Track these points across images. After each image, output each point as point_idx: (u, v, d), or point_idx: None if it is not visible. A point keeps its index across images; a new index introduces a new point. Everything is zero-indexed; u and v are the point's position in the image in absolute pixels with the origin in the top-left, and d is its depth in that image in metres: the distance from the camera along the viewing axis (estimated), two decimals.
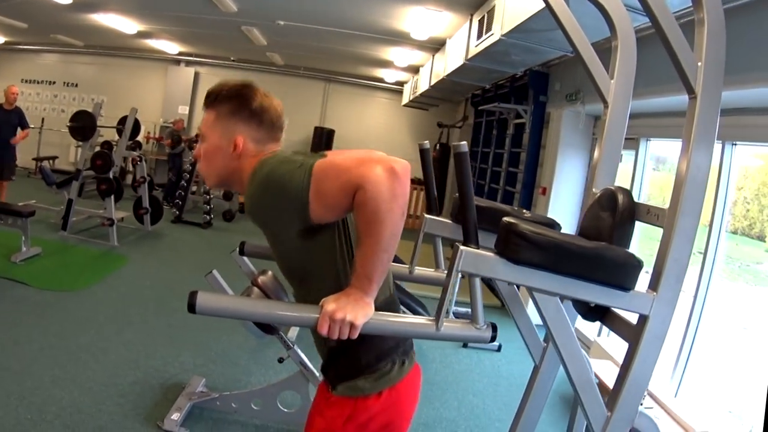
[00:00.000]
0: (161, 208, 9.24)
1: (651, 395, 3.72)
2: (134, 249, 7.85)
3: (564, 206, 6.83)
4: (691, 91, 1.73)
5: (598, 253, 1.66)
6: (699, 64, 1.72)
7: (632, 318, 1.91)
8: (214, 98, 1.87)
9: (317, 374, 3.67)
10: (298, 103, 14.08)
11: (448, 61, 7.88)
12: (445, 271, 2.61)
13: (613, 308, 1.92)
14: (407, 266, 2.56)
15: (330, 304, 1.55)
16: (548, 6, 2.11)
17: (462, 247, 1.59)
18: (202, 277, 6.47)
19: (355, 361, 1.78)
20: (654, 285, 1.79)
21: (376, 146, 11.94)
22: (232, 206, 11.13)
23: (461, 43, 6.91)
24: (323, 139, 13.61)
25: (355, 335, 1.57)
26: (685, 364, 4.43)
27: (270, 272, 3.85)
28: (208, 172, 1.91)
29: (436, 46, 8.72)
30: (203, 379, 4.13)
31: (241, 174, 1.82)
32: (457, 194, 2.40)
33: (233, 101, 1.84)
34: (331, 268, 1.74)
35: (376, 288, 1.60)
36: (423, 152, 2.69)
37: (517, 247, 1.59)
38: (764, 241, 4.91)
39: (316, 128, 13.70)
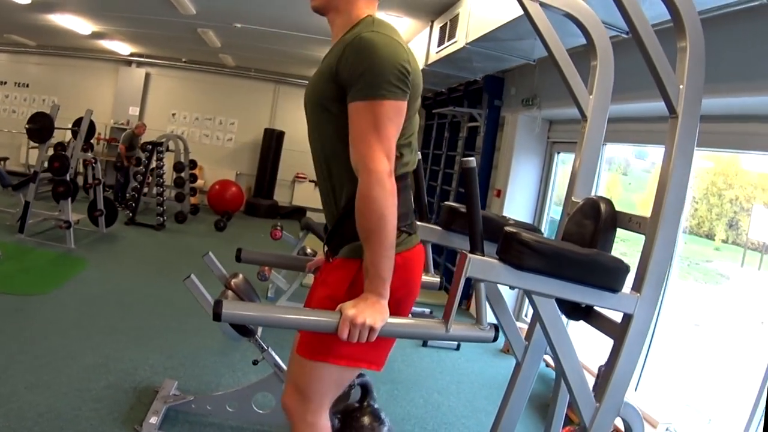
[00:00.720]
0: (115, 210, 9.11)
1: None
2: (92, 252, 7.75)
3: (519, 208, 6.99)
4: (672, 111, 1.90)
5: (593, 259, 1.82)
6: (681, 87, 1.89)
7: (613, 315, 2.08)
8: None
9: None
10: (249, 105, 14.06)
11: None
12: (436, 276, 2.76)
13: (598, 307, 2.07)
14: None
15: (349, 309, 1.65)
16: (534, 26, 2.25)
17: (470, 255, 1.72)
18: (163, 279, 6.44)
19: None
20: (638, 286, 1.96)
21: None
22: (184, 208, 11.06)
23: (420, 48, 7.04)
24: (274, 141, 13.59)
25: (374, 338, 1.68)
26: (644, 360, 4.63)
27: (241, 275, 3.91)
28: None
29: None
30: (175, 381, 4.13)
31: (348, 13, 1.94)
32: (445, 203, 2.54)
33: None
34: (336, 132, 1.84)
35: (388, 285, 1.71)
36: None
37: (520, 255, 1.73)
38: (713, 240, 5.17)
39: (266, 130, 13.66)
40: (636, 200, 6.63)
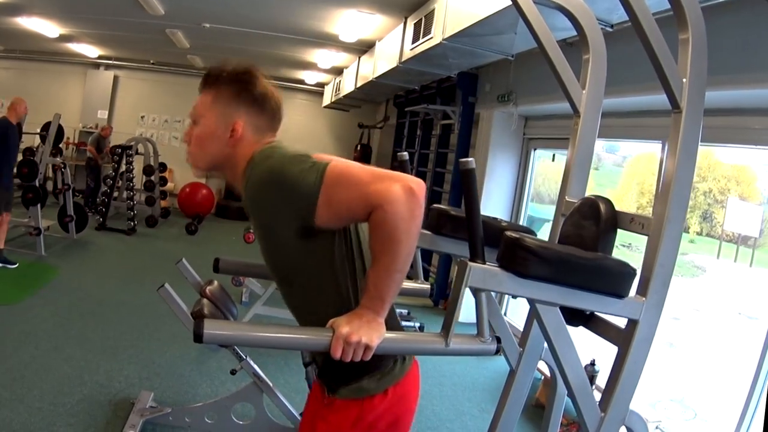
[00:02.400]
0: (86, 215, 8.97)
1: (599, 389, 3.85)
2: (63, 259, 7.63)
3: (495, 206, 6.95)
4: (676, 106, 1.81)
5: (599, 264, 1.72)
6: (684, 80, 1.80)
7: (615, 320, 2.00)
8: (214, 79, 1.78)
9: (270, 384, 3.65)
10: None
11: (378, 64, 7.90)
12: (426, 283, 2.66)
13: (601, 314, 1.98)
14: None
15: (343, 326, 1.52)
16: (525, 20, 2.16)
17: (470, 264, 1.61)
18: (135, 286, 6.33)
19: (358, 362, 1.71)
20: (643, 291, 1.87)
21: None
22: (155, 212, 10.90)
23: (393, 45, 6.94)
24: None
25: (369, 357, 1.56)
26: None
27: (216, 282, 3.81)
28: (198, 157, 1.80)
29: (363, 48, 8.73)
30: (151, 393, 4.05)
31: (236, 161, 1.74)
32: (434, 205, 2.44)
33: (235, 84, 1.76)
34: (324, 272, 1.70)
35: (387, 308, 1.60)
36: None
37: (525, 262, 1.62)
38: (687, 232, 5.17)
39: None
40: (609, 196, 6.62)
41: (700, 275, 5.79)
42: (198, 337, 1.47)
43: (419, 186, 1.53)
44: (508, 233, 1.70)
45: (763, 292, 4.71)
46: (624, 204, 6.13)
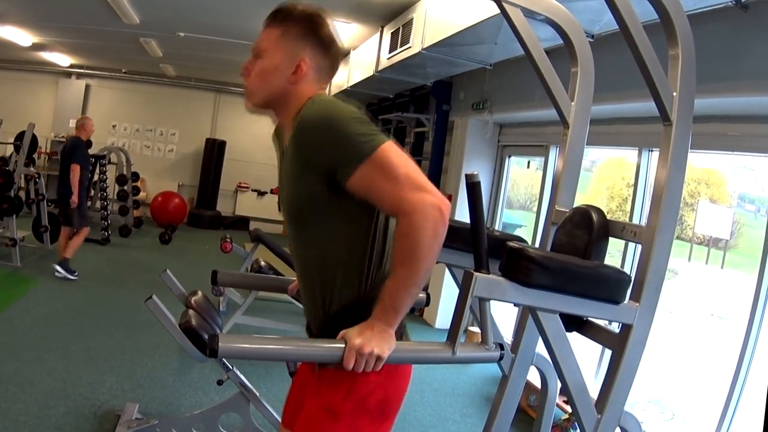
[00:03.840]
0: (60, 225, 8.88)
1: None
2: (39, 269, 7.52)
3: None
4: (667, 118, 1.89)
5: (598, 273, 1.79)
6: (674, 94, 1.88)
7: (607, 324, 2.07)
8: (284, 15, 1.77)
9: (257, 394, 3.66)
10: (190, 115, 13.89)
11: (353, 72, 7.95)
12: (423, 292, 2.70)
13: (595, 319, 2.05)
14: None
15: (356, 338, 1.55)
16: (515, 32, 2.21)
17: (476, 274, 1.66)
18: (114, 296, 6.27)
19: None
20: (636, 296, 1.93)
21: (267, 157, 12.04)
22: (128, 221, 10.81)
23: (369, 54, 6.99)
24: (215, 151, 13.42)
25: (380, 367, 1.60)
26: (599, 360, 4.70)
27: (200, 292, 3.81)
28: (256, 91, 1.79)
29: None
30: (137, 404, 4.01)
31: (292, 100, 1.75)
32: None
33: (306, 23, 1.76)
34: (340, 230, 1.71)
35: (399, 320, 1.63)
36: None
37: (528, 271, 1.68)
38: None
39: (207, 140, 13.47)
40: (579, 201, 6.71)
41: (672, 278, 5.90)
42: (213, 352, 1.48)
43: (447, 206, 1.56)
44: (512, 243, 1.75)
45: (735, 294, 4.81)
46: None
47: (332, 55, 1.81)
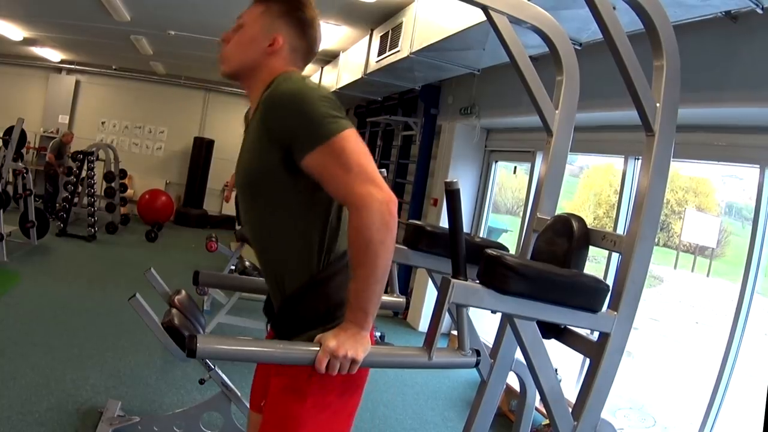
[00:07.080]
0: (47, 221, 8.82)
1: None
2: (25, 265, 7.48)
3: None
4: (649, 129, 1.89)
5: (576, 281, 1.80)
6: (657, 105, 1.88)
7: (584, 332, 2.07)
8: None
9: (239, 393, 3.66)
10: (179, 114, 13.85)
11: (342, 75, 7.95)
12: (401, 297, 2.70)
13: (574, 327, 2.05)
14: None
15: (330, 341, 1.55)
16: (501, 39, 2.22)
17: (453, 280, 1.66)
18: (98, 293, 6.24)
19: (313, 310, 1.74)
20: (614, 305, 1.94)
21: None
22: (115, 218, 10.77)
23: (358, 57, 6.99)
24: (203, 150, 13.39)
25: (355, 370, 1.60)
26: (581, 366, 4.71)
27: (184, 291, 3.80)
28: (231, 57, 1.85)
29: (327, 58, 8.76)
30: (119, 402, 4.00)
31: (263, 73, 1.79)
32: (410, 221, 2.49)
33: (287, 3, 1.81)
34: (289, 211, 1.72)
35: (371, 320, 1.63)
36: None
37: (505, 279, 1.68)
38: None
39: (195, 138, 13.44)
40: (565, 207, 6.74)
41: (658, 285, 5.93)
42: (191, 352, 1.48)
43: (394, 202, 1.57)
44: (489, 251, 1.75)
45: (721, 302, 4.83)
46: (580, 215, 6.24)
47: (309, 38, 1.85)
